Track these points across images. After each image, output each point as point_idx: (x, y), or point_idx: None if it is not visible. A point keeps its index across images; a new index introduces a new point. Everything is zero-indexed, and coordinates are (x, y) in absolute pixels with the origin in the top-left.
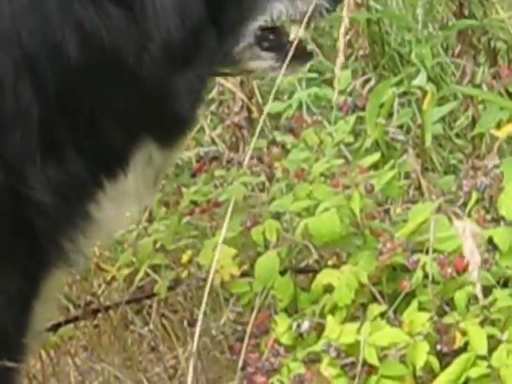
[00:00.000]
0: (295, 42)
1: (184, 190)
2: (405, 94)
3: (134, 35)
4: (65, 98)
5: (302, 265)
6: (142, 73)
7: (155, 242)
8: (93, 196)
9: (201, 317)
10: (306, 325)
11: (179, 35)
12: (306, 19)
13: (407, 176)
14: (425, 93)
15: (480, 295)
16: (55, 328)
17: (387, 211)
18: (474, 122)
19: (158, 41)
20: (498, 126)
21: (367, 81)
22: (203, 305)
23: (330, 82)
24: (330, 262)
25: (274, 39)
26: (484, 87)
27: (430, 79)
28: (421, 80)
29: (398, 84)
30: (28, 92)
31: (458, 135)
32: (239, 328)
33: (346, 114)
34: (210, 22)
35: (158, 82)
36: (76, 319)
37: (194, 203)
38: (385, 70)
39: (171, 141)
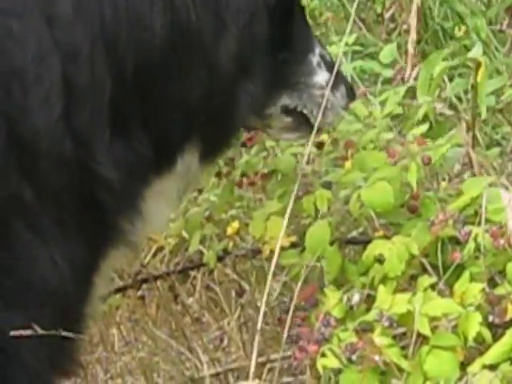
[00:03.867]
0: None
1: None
2: (452, 68)
3: (213, 22)
4: (140, 76)
5: (352, 237)
6: (215, 65)
7: (205, 212)
8: (149, 181)
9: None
10: (356, 297)
11: (247, 42)
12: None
13: None
14: (478, 65)
15: None
16: (104, 297)
17: (438, 184)
18: None
19: (233, 34)
20: None
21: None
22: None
23: (372, 56)
24: (380, 233)
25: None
26: None
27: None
28: (476, 52)
29: (449, 57)
30: (103, 65)
31: (500, 110)
32: (286, 300)
33: (396, 85)
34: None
35: (226, 81)
36: (125, 288)
37: (244, 175)
38: (427, 44)
39: (213, 151)
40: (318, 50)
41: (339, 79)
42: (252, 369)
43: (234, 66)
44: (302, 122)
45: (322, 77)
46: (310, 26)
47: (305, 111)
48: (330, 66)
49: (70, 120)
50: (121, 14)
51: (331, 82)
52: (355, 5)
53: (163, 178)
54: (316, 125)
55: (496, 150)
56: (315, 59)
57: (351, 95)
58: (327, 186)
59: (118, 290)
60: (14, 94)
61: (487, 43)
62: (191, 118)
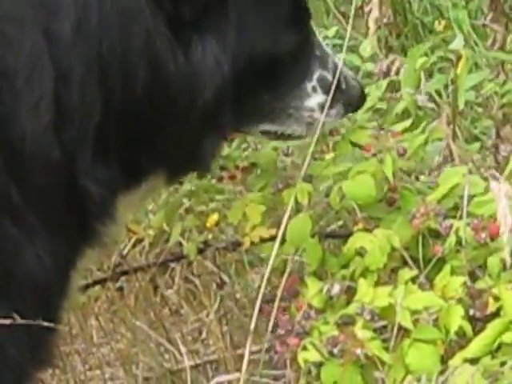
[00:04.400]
0: None
1: None
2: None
3: (186, 84)
4: (122, 109)
5: (332, 230)
6: (190, 116)
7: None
8: (120, 195)
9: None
10: (336, 288)
11: (210, 98)
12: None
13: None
14: (458, 57)
15: (508, 259)
16: (83, 289)
17: (417, 177)
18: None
19: (198, 95)
20: None
21: (390, 49)
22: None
23: (353, 50)
24: (360, 227)
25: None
26: None
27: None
28: (458, 44)
29: (432, 49)
30: (95, 91)
31: (480, 105)
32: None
33: (377, 79)
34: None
35: (194, 133)
36: (105, 280)
37: (224, 168)
38: (407, 39)
39: (178, 178)
40: (316, 75)
41: (337, 96)
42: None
43: (201, 125)
44: (280, 137)
45: (314, 100)
46: (314, 50)
47: (287, 132)
48: (328, 86)
49: (58, 131)
50: (115, 48)
51: (327, 105)
52: None
53: (131, 193)
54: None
55: (476, 145)
56: (310, 85)
57: (358, 104)
58: (307, 179)
59: (97, 282)
60: (5, 98)
61: (468, 38)
62: (159, 156)
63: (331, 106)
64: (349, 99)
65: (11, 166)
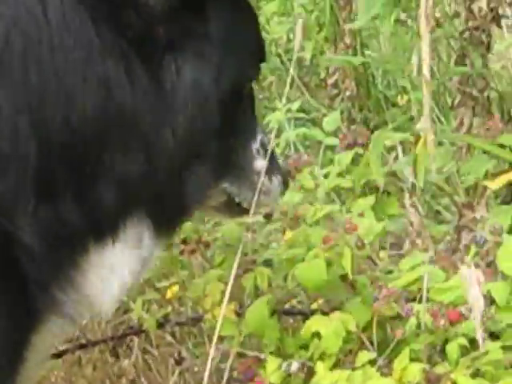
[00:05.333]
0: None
1: None
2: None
3: (157, 104)
4: (69, 148)
5: (290, 307)
6: (157, 146)
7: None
8: (82, 251)
9: None
10: (295, 366)
11: (197, 129)
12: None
13: None
14: (417, 137)
15: (481, 341)
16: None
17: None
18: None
19: (181, 123)
20: (486, 175)
21: (353, 122)
22: None
23: (315, 121)
24: (317, 306)
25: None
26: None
27: None
28: (423, 125)
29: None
30: (27, 133)
31: (444, 181)
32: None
33: (343, 151)
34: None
35: (172, 162)
36: (64, 353)
37: (184, 241)
38: (370, 112)
39: (164, 227)
40: (259, 137)
41: (276, 168)
42: None
43: (182, 150)
44: (235, 207)
45: (260, 163)
46: (255, 111)
47: (239, 199)
48: (269, 154)
49: None
50: (49, 83)
51: (265, 167)
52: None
53: (106, 248)
54: (253, 206)
55: (439, 227)
56: (255, 146)
57: (285, 184)
58: (267, 262)
59: (55, 355)
60: None
61: (434, 119)
62: (132, 194)
63: (274, 174)
64: (283, 173)
65: None
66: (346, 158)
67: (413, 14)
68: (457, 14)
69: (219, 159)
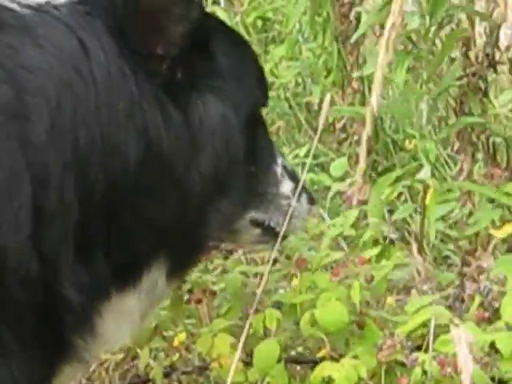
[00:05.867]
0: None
1: None
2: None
3: (188, 145)
4: (108, 200)
5: (298, 355)
6: (187, 187)
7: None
8: (105, 300)
9: None
10: None
11: (224, 161)
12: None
13: None
14: (426, 187)
15: None
16: None
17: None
18: (470, 216)
19: (208, 157)
20: (492, 223)
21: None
22: None
23: (323, 166)
24: (325, 352)
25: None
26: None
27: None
28: (425, 174)
29: (399, 178)
30: (72, 191)
31: (450, 227)
32: None
33: (347, 207)
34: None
35: (198, 201)
36: None
37: (190, 291)
38: (378, 155)
39: (181, 267)
40: (280, 161)
41: (301, 187)
42: None
43: (208, 187)
44: (269, 234)
45: (286, 186)
46: (268, 133)
47: (271, 223)
48: (291, 174)
49: (37, 242)
50: (95, 140)
51: (297, 191)
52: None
53: (126, 294)
54: (281, 233)
55: (449, 274)
56: (279, 169)
57: (312, 201)
58: (276, 305)
59: None
60: None
61: (435, 167)
62: (159, 238)
63: (301, 194)
64: (307, 190)
65: None
66: (352, 214)
67: (423, 63)
68: (453, 60)
69: (243, 190)
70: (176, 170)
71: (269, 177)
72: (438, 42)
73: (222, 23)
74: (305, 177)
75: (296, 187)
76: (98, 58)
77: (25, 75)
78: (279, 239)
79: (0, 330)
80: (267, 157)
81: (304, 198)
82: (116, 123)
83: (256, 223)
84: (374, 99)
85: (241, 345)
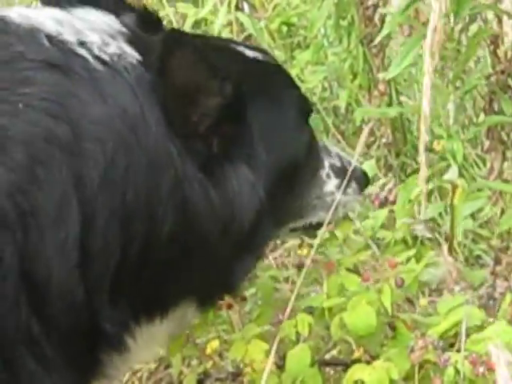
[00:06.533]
0: None
1: None
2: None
3: (221, 217)
4: (143, 253)
5: (331, 357)
6: (217, 251)
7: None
8: (135, 329)
9: None
10: None
11: (249, 224)
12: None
13: None
14: (454, 187)
15: None
16: None
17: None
18: (502, 216)
19: (237, 227)
20: None
21: (389, 168)
22: None
23: None
24: (358, 355)
25: None
26: None
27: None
28: (452, 175)
29: (428, 179)
30: (115, 236)
31: (481, 226)
32: None
33: (376, 208)
34: (269, 212)
35: (224, 261)
36: None
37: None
38: (407, 157)
39: (210, 304)
40: (327, 163)
41: (350, 176)
42: None
43: (236, 249)
44: (309, 230)
45: (331, 184)
46: (317, 140)
47: (313, 222)
48: (339, 171)
49: (82, 272)
50: (139, 201)
51: (343, 186)
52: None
53: (152, 324)
54: (325, 224)
55: (481, 272)
56: (324, 172)
57: (365, 183)
58: (308, 309)
59: None
60: (32, 236)
61: (463, 167)
62: (187, 288)
63: (348, 185)
64: (358, 177)
65: (34, 304)
66: (381, 214)
67: (450, 63)
68: (479, 59)
69: (278, 221)
70: (208, 239)
71: (312, 183)
72: (463, 40)
73: (262, 68)
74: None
75: (343, 180)
76: (152, 130)
77: (86, 124)
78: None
79: (46, 350)
80: (309, 175)
81: (352, 188)
82: (158, 196)
83: (295, 230)
84: (425, 105)
85: (273, 350)
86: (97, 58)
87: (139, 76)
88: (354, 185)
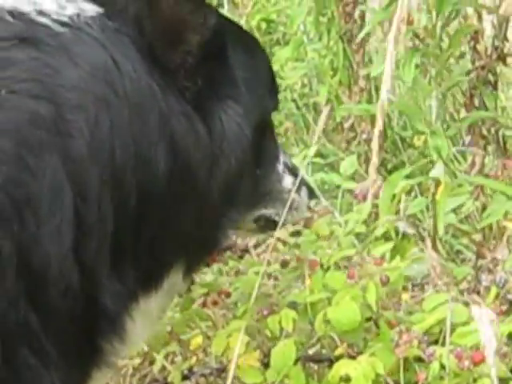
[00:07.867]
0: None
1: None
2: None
3: (209, 156)
4: (138, 214)
5: (314, 353)
6: (207, 195)
7: (170, 331)
8: (134, 304)
9: None
10: None
11: (235, 162)
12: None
13: None
14: (437, 183)
15: (496, 382)
16: None
17: (399, 299)
18: (483, 211)
19: (224, 169)
20: (505, 215)
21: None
22: None
23: (333, 166)
24: (341, 351)
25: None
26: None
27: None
28: (438, 171)
29: (410, 175)
30: (108, 203)
31: (461, 222)
32: None
33: (359, 202)
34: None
35: (213, 209)
36: None
37: (206, 294)
38: (387, 153)
39: (196, 267)
40: (281, 158)
41: (301, 181)
42: None
43: (223, 193)
44: (270, 225)
45: (287, 181)
46: (274, 134)
47: (276, 218)
48: (291, 170)
49: (77, 253)
50: (129, 153)
51: (296, 184)
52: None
53: (150, 297)
54: (280, 223)
55: (465, 268)
56: (281, 167)
57: (313, 195)
58: (292, 304)
59: None
60: (28, 225)
61: (447, 162)
62: (181, 245)
63: (300, 188)
64: (306, 183)
65: (32, 294)
66: (364, 208)
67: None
68: (462, 55)
69: (252, 192)
70: (199, 180)
71: (273, 176)
72: (445, 37)
73: (235, 25)
74: (304, 172)
75: (295, 181)
76: (129, 76)
77: (64, 94)
78: (278, 227)
79: (42, 341)
80: (272, 158)
81: (304, 191)
82: (147, 138)
83: (261, 218)
84: (383, 94)
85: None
86: (57, 21)
87: (103, 27)
88: (304, 189)
